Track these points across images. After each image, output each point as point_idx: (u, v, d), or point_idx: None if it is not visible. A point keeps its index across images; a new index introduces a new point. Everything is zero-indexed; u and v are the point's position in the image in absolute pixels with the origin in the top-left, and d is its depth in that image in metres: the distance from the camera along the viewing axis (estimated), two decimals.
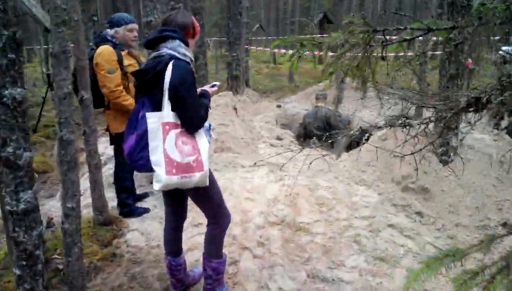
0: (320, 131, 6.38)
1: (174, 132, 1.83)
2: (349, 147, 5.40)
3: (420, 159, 1.63)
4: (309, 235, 2.88)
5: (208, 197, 2.06)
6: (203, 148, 1.91)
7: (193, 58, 1.97)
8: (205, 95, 2.07)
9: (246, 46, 9.71)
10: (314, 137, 6.52)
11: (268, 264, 2.57)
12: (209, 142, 1.98)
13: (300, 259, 2.62)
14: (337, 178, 3.87)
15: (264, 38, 21.13)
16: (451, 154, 3.45)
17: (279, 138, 5.98)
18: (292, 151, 5.40)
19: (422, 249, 2.68)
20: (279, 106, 7.76)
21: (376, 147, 4.12)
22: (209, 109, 2.03)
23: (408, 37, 1.57)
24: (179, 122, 1.86)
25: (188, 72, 1.85)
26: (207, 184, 1.93)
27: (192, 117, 1.87)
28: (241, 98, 7.26)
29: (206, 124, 2.00)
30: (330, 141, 1.74)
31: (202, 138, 1.93)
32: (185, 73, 1.83)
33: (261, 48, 16.05)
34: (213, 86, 2.18)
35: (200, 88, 2.11)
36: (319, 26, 18.91)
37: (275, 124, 6.96)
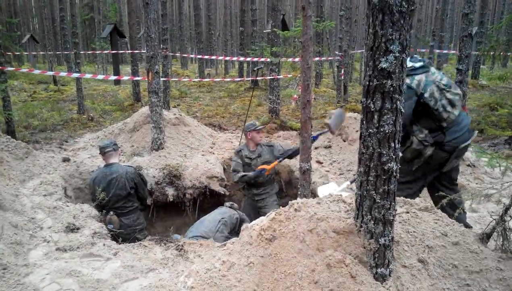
0: (121, 201, 3.98)
1: None
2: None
3: None
4: None
5: None
6: None
7: None
8: None
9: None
10: (112, 213, 3.68)
11: None
12: None
13: None
14: None
15: (35, 53, 16.70)
16: (388, 261, 2.02)
17: (72, 228, 3.45)
18: (107, 259, 2.86)
19: None
20: (66, 159, 5.04)
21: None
22: None
23: None
24: None
25: None
26: None
27: None
28: None
29: None
30: None
31: None
32: None
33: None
34: None
35: None
36: (111, 39, 16.60)
37: (62, 195, 4.28)
